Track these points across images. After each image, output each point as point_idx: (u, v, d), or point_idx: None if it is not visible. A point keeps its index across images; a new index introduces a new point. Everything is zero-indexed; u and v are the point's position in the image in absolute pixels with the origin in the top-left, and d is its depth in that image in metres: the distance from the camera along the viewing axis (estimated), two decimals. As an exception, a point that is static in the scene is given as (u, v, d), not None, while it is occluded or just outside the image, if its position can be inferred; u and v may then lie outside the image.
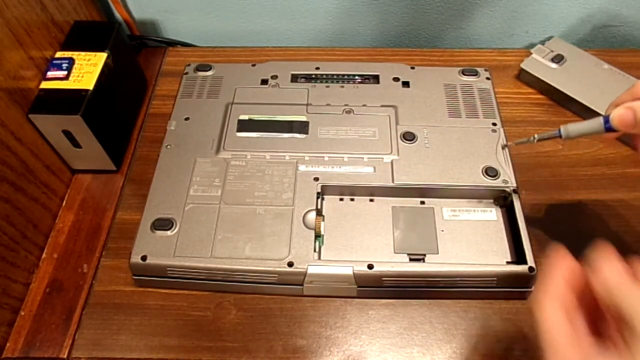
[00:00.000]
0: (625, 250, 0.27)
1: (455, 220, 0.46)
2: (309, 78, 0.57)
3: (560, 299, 0.26)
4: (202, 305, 0.44)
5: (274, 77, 0.57)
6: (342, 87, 0.56)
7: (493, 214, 0.46)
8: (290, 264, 0.42)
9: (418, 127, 0.51)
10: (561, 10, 0.63)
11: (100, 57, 0.50)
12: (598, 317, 0.26)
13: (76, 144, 0.49)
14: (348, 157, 0.49)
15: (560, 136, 0.38)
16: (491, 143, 0.50)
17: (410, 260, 0.43)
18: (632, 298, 0.24)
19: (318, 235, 0.44)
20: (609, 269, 0.26)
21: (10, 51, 0.44)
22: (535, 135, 0.38)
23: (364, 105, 0.54)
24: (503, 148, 0.49)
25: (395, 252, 0.44)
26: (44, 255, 0.48)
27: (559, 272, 0.27)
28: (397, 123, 0.52)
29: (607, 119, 0.35)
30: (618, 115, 0.34)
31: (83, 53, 0.50)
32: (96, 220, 0.50)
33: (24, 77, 0.46)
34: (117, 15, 0.64)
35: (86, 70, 0.49)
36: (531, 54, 0.60)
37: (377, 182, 0.47)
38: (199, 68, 0.58)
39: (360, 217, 0.46)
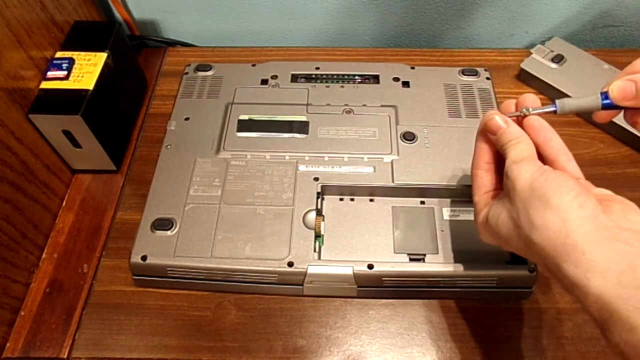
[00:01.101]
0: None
1: (455, 220, 0.46)
2: (309, 78, 0.57)
3: (482, 160, 0.36)
4: (202, 305, 0.44)
5: (274, 77, 0.57)
6: (342, 87, 0.56)
7: (493, 214, 0.46)
8: (290, 264, 0.42)
9: (418, 127, 0.51)
10: (561, 10, 0.63)
11: (100, 57, 0.50)
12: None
13: (76, 144, 0.49)
14: (348, 157, 0.49)
15: (555, 111, 0.36)
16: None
17: (410, 260, 0.43)
18: (504, 137, 0.34)
19: (318, 235, 0.44)
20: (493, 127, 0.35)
21: (10, 51, 0.44)
22: (530, 109, 0.35)
23: (364, 105, 0.54)
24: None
25: (395, 252, 0.44)
26: (44, 255, 0.48)
27: (482, 144, 0.36)
28: (397, 123, 0.52)
29: (605, 95, 0.34)
30: (618, 87, 0.33)
31: (83, 53, 0.50)
32: (96, 220, 0.50)
33: (24, 77, 0.46)
34: (117, 15, 0.64)
35: (86, 70, 0.49)
36: (531, 54, 0.60)
37: (377, 182, 0.47)
38: (199, 68, 0.58)
39: (360, 217, 0.46)
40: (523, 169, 0.31)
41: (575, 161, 0.34)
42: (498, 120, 0.34)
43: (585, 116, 0.56)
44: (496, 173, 0.36)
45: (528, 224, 0.29)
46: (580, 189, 0.29)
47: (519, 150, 0.33)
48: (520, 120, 0.35)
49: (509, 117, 0.35)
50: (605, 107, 0.34)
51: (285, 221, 0.45)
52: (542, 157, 0.34)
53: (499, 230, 0.32)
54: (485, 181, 0.36)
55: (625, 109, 0.34)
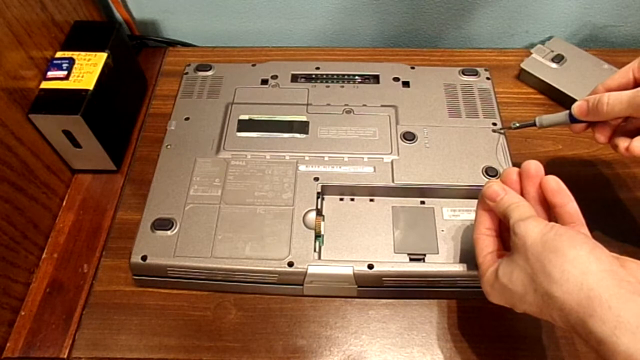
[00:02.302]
0: (626, 250, 0.27)
1: (455, 220, 0.46)
2: (309, 78, 0.57)
3: (483, 226, 0.37)
4: (202, 305, 0.44)
5: (274, 77, 0.57)
6: (342, 87, 0.56)
7: (493, 214, 0.46)
8: (291, 264, 0.42)
9: (418, 127, 0.51)
10: (561, 10, 0.63)
11: (101, 57, 0.50)
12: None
13: (76, 144, 0.49)
14: (348, 157, 0.49)
15: (535, 124, 0.45)
16: (491, 143, 0.50)
17: (410, 260, 0.43)
18: (504, 203, 0.35)
19: (318, 235, 0.44)
20: (492, 195, 0.36)
21: (11, 51, 0.44)
22: (516, 123, 0.47)
23: (364, 105, 0.54)
24: (494, 132, 0.51)
25: (395, 252, 0.44)
26: (44, 255, 0.48)
27: (482, 211, 0.38)
28: (397, 123, 0.52)
29: (571, 112, 0.41)
30: (577, 106, 0.40)
31: (83, 53, 0.50)
32: (96, 220, 0.50)
33: (24, 77, 0.46)
34: (117, 15, 0.64)
35: (86, 70, 0.49)
36: (531, 54, 0.60)
37: (377, 182, 0.47)
38: (199, 68, 0.58)
39: (360, 217, 0.46)
40: (530, 224, 0.32)
41: (587, 228, 0.34)
42: (496, 188, 0.36)
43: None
44: (498, 237, 0.37)
45: (546, 278, 0.29)
46: (593, 243, 0.29)
47: (522, 211, 0.33)
48: (521, 185, 0.37)
49: (496, 130, 0.39)
50: (572, 121, 0.41)
51: (285, 221, 0.45)
52: (556, 220, 0.35)
53: (513, 286, 0.32)
54: (487, 243, 0.37)
55: (587, 122, 0.40)
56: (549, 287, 0.29)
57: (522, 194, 0.37)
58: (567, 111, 0.42)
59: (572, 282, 0.27)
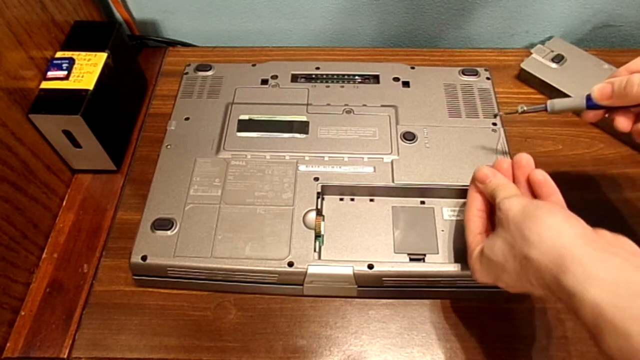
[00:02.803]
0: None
1: (455, 220, 0.46)
2: (309, 78, 0.57)
3: (475, 207, 0.39)
4: (202, 305, 0.44)
5: (274, 77, 0.57)
6: (342, 87, 0.56)
7: (493, 214, 0.46)
8: (291, 264, 0.42)
9: (418, 127, 0.51)
10: (561, 10, 0.63)
11: (101, 57, 0.50)
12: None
13: (76, 144, 0.49)
14: (348, 157, 0.49)
15: (546, 109, 0.41)
16: (491, 143, 0.50)
17: (410, 260, 0.43)
18: (492, 184, 0.37)
19: (318, 235, 0.44)
20: (482, 177, 0.38)
21: (11, 51, 0.44)
22: (524, 107, 0.41)
23: (364, 105, 0.54)
24: (494, 117, 0.51)
25: (395, 252, 0.44)
26: (44, 255, 0.48)
27: (474, 193, 0.39)
28: (397, 123, 0.52)
29: (589, 97, 0.38)
30: (598, 88, 0.38)
31: (83, 53, 0.50)
32: (96, 220, 0.50)
33: (24, 77, 0.46)
34: (117, 15, 0.64)
35: (86, 70, 0.49)
36: (531, 53, 0.60)
37: (377, 182, 0.47)
38: (199, 68, 0.58)
39: (360, 217, 0.46)
40: (514, 201, 0.34)
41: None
42: (486, 171, 0.38)
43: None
44: (488, 219, 0.39)
45: (524, 243, 0.31)
46: (570, 214, 0.31)
47: (508, 190, 0.36)
48: (514, 174, 0.39)
49: (505, 116, 0.38)
50: (589, 107, 0.38)
51: (285, 221, 0.45)
52: None
53: (495, 257, 0.34)
54: (478, 224, 0.39)
55: (605, 108, 0.38)
56: (527, 251, 0.30)
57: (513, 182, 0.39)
58: (584, 95, 0.39)
59: (547, 243, 0.30)
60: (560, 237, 0.29)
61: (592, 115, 0.39)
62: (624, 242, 0.30)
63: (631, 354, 0.25)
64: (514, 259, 0.32)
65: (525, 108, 0.41)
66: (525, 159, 0.39)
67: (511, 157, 0.49)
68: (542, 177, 0.37)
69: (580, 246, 0.28)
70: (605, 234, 0.31)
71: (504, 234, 0.33)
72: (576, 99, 0.39)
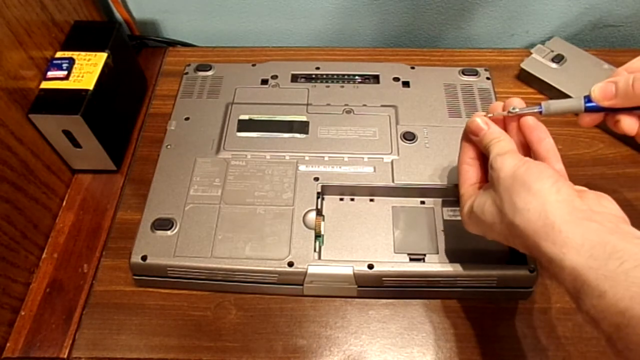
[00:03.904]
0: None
1: (455, 220, 0.46)
2: (309, 78, 0.57)
3: (467, 156, 0.39)
4: (202, 305, 0.44)
5: (274, 77, 0.57)
6: (342, 87, 0.56)
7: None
8: (291, 264, 0.42)
9: (418, 127, 0.51)
10: (561, 10, 0.63)
11: (101, 57, 0.50)
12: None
13: (76, 144, 0.49)
14: (348, 157, 0.49)
15: (540, 112, 0.37)
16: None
17: (410, 260, 0.43)
18: (486, 138, 0.36)
19: (318, 235, 0.44)
20: (475, 130, 0.38)
21: (11, 51, 0.44)
22: (517, 109, 0.37)
23: (364, 105, 0.54)
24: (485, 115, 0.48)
25: (395, 252, 0.44)
26: (44, 255, 0.48)
27: (466, 143, 0.39)
28: (397, 123, 0.52)
29: (588, 98, 0.35)
30: (599, 88, 0.35)
31: (83, 53, 0.50)
32: (96, 220, 0.50)
33: (24, 77, 0.46)
34: (117, 15, 0.64)
35: (86, 70, 0.49)
36: (531, 53, 0.60)
37: (377, 182, 0.47)
38: (199, 68, 0.58)
39: (361, 217, 0.46)
40: (507, 159, 0.34)
41: (562, 164, 0.36)
42: (479, 122, 0.37)
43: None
44: (481, 168, 0.39)
45: (511, 209, 0.32)
46: (558, 177, 0.32)
47: (502, 146, 0.35)
48: (505, 122, 0.38)
49: (495, 116, 0.38)
50: (588, 109, 0.36)
51: (286, 221, 0.45)
52: (533, 156, 0.36)
53: (484, 217, 0.34)
54: (470, 174, 0.39)
55: (607, 110, 0.35)
56: (512, 217, 0.32)
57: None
58: (582, 97, 0.36)
59: (532, 212, 0.31)
60: (545, 206, 0.30)
61: (589, 119, 0.36)
62: (606, 203, 0.31)
63: (604, 309, 0.26)
64: (501, 222, 0.33)
65: (517, 110, 0.37)
66: (517, 103, 0.37)
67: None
68: (533, 122, 0.37)
69: (562, 215, 0.30)
70: (588, 197, 0.31)
71: (494, 195, 0.34)
72: (573, 101, 0.36)
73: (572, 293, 0.29)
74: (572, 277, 0.28)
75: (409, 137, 0.50)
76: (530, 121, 0.37)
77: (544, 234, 0.30)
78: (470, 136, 0.38)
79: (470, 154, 0.39)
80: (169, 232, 0.44)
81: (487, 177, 0.38)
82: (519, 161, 0.33)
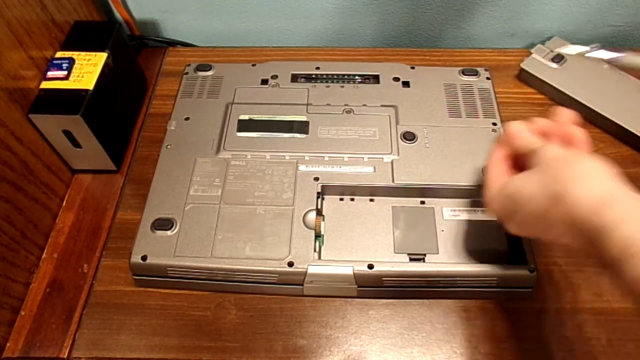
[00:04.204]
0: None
1: (455, 220, 0.46)
2: (309, 78, 0.57)
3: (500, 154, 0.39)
4: (202, 305, 0.44)
5: (274, 77, 0.57)
6: (342, 87, 0.56)
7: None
8: (291, 264, 0.42)
9: (418, 127, 0.51)
10: (561, 10, 0.63)
11: (101, 57, 0.50)
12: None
13: (76, 144, 0.49)
14: (348, 157, 0.49)
15: (620, 58, 0.39)
16: (491, 143, 0.50)
17: (411, 260, 0.43)
18: (530, 139, 0.37)
19: (318, 235, 0.44)
20: (516, 131, 0.38)
21: (10, 51, 0.44)
22: (596, 45, 0.38)
23: (364, 105, 0.54)
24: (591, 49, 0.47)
25: (395, 252, 0.44)
26: (44, 255, 0.48)
27: (498, 148, 0.39)
28: (397, 123, 0.52)
29: None
30: None
31: (83, 53, 0.50)
32: (96, 220, 0.50)
33: (24, 77, 0.46)
34: (117, 15, 0.64)
35: (86, 70, 0.49)
36: (531, 53, 0.60)
37: (377, 182, 0.47)
38: (199, 68, 0.58)
39: (361, 217, 0.46)
40: (552, 147, 0.34)
41: None
42: (519, 125, 0.38)
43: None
44: (511, 168, 0.38)
45: (565, 179, 0.31)
46: (606, 163, 0.32)
47: (544, 144, 0.35)
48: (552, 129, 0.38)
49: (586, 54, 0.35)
50: None
51: (286, 221, 0.45)
52: None
53: (519, 193, 0.34)
54: (500, 167, 0.38)
55: None
56: (563, 187, 0.31)
57: None
58: None
59: (591, 181, 0.31)
60: (605, 179, 0.31)
61: None
62: None
63: None
64: (542, 195, 0.32)
65: (597, 45, 0.39)
66: (566, 114, 0.38)
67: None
68: (581, 135, 0.37)
69: (621, 189, 0.30)
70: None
71: (539, 174, 0.33)
72: None
73: (613, 262, 0.28)
74: (621, 247, 0.28)
75: (409, 137, 0.50)
76: (578, 134, 0.37)
77: (607, 204, 0.29)
78: (508, 141, 0.38)
79: (503, 152, 0.39)
80: (169, 232, 0.44)
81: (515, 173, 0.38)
82: (564, 150, 0.34)
